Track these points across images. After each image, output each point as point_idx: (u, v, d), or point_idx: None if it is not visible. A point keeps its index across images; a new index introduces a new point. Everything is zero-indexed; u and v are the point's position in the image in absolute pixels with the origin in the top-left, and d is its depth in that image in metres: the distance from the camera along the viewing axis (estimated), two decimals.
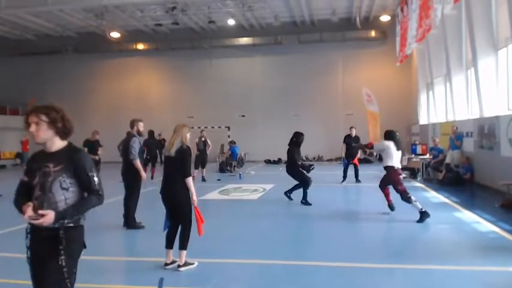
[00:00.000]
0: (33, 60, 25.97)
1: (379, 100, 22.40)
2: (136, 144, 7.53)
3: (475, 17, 11.95)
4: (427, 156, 14.39)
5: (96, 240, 7.07)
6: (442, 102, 17.05)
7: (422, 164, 14.04)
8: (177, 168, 5.19)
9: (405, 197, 8.04)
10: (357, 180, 13.57)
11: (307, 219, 8.47)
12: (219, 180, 14.93)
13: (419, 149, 14.75)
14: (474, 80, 12.39)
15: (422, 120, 20.30)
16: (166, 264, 5.28)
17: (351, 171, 13.68)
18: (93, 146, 13.03)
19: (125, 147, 7.61)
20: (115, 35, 23.54)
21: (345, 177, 13.48)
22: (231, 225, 7.98)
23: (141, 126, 7.77)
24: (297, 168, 10.17)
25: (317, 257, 5.71)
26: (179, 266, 5.22)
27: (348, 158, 13.61)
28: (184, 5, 19.92)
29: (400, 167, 8.42)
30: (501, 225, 7.28)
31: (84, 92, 26.25)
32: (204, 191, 11.83)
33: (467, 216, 8.26)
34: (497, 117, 10.97)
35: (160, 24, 22.81)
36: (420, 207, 7.87)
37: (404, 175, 14.70)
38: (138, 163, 7.51)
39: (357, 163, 13.79)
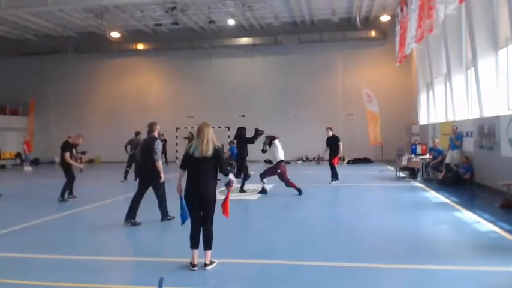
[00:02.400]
0: (33, 60, 25.95)
1: (379, 100, 22.47)
2: (160, 146, 8.08)
3: (475, 17, 11.94)
4: (427, 156, 14.39)
5: (96, 240, 7.08)
6: (442, 102, 17.04)
7: (422, 164, 14.03)
8: (212, 167, 5.30)
9: (287, 182, 11.29)
10: (332, 179, 13.54)
11: (306, 219, 8.47)
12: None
13: (419, 149, 14.74)
14: (474, 80, 12.38)
15: (422, 120, 20.29)
16: (193, 265, 5.22)
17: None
18: (64, 147, 10.90)
19: (148, 149, 7.94)
20: (115, 35, 23.53)
21: (335, 176, 13.60)
22: (230, 225, 7.97)
23: (159, 128, 8.28)
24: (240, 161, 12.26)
25: (317, 257, 5.71)
26: (206, 264, 5.23)
27: (330, 158, 13.74)
28: (184, 5, 19.91)
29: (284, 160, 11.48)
30: (501, 225, 7.27)
31: (84, 92, 26.25)
32: None
33: (467, 216, 8.25)
34: (497, 117, 10.97)
35: (160, 24, 22.79)
36: (265, 188, 11.45)
37: (404, 175, 14.81)
38: (160, 164, 7.95)
39: (335, 163, 13.71)
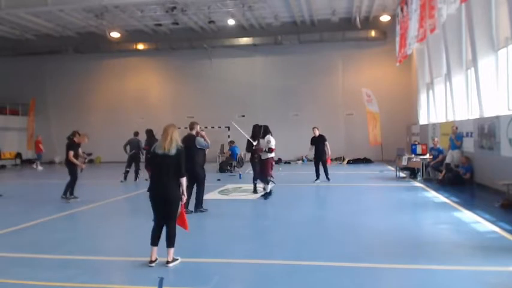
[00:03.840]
0: (33, 60, 25.92)
1: (379, 100, 22.46)
2: (201, 140, 8.58)
3: (475, 17, 11.93)
4: (427, 156, 14.39)
5: (96, 240, 7.09)
6: (442, 102, 17.04)
7: (423, 164, 14.03)
8: (174, 167, 5.37)
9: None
10: (327, 178, 13.68)
11: (306, 219, 8.47)
12: (219, 180, 14.91)
13: (419, 149, 14.74)
14: (474, 80, 12.38)
15: (422, 120, 20.29)
16: (151, 262, 5.37)
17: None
18: (69, 146, 10.95)
19: (190, 146, 8.13)
20: (115, 35, 23.50)
21: (317, 176, 13.74)
22: (230, 225, 7.98)
23: (198, 128, 8.72)
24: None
25: (317, 257, 5.71)
26: (168, 262, 5.32)
27: (316, 158, 13.84)
28: (184, 5, 19.90)
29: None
30: (501, 225, 7.28)
31: (84, 91, 26.22)
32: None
33: (467, 216, 8.26)
34: (497, 117, 10.97)
35: (160, 24, 22.78)
36: (267, 190, 10.68)
37: (404, 175, 14.81)
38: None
39: (328, 162, 13.88)
